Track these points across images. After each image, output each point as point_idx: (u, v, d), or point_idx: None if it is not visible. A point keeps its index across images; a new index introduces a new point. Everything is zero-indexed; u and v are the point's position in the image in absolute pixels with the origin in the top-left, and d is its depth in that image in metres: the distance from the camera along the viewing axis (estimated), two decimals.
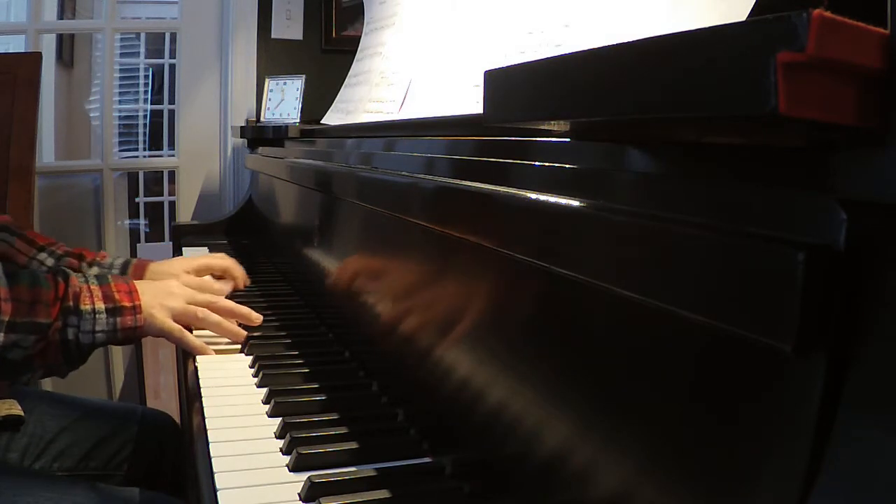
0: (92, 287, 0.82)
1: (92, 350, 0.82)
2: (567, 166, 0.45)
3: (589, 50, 0.32)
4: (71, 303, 0.79)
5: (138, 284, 0.87)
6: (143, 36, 3.55)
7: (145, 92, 3.50)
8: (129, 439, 1.04)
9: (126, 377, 2.01)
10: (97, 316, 0.81)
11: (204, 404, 0.73)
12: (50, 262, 1.08)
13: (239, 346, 0.92)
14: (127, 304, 0.83)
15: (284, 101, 1.85)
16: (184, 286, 0.94)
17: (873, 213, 0.25)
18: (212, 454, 0.61)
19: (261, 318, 0.96)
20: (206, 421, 0.68)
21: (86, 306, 0.80)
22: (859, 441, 0.25)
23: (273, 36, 2.06)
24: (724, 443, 0.31)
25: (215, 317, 0.91)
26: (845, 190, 0.27)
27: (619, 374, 0.39)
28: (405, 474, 0.58)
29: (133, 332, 0.84)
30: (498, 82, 0.40)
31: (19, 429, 0.96)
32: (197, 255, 1.16)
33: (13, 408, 0.95)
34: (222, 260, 1.15)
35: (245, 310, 0.95)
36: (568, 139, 0.47)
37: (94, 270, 1.08)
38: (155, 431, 1.08)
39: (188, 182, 2.05)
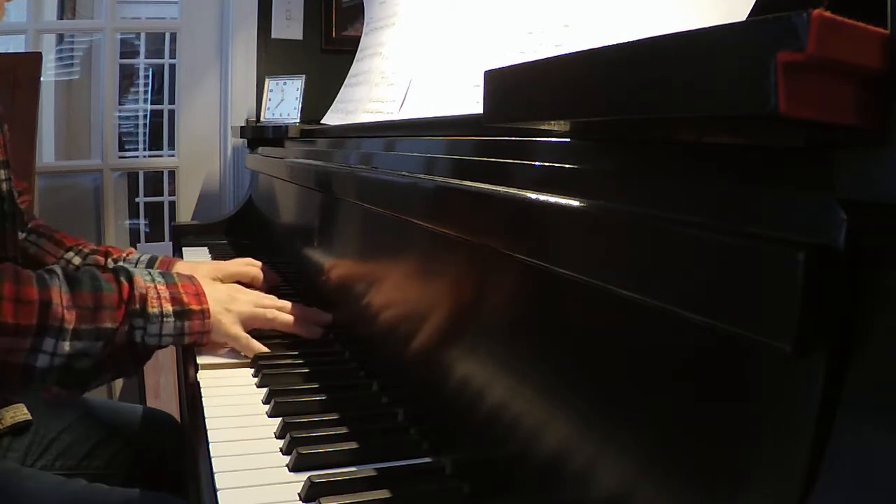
0: (159, 287, 0.79)
1: (155, 350, 0.80)
2: (567, 166, 0.45)
3: (589, 50, 0.32)
4: (137, 305, 0.76)
5: (205, 286, 0.84)
6: (143, 36, 3.55)
7: (145, 92, 3.50)
8: (130, 439, 1.04)
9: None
10: (164, 319, 0.78)
11: (204, 404, 0.73)
12: (77, 260, 1.08)
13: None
14: (195, 307, 0.80)
15: (284, 101, 1.85)
16: (248, 290, 0.91)
17: (873, 213, 0.25)
18: (212, 454, 0.61)
19: (331, 316, 0.94)
20: (206, 421, 0.68)
21: (153, 309, 0.77)
22: (859, 441, 0.25)
23: (273, 36, 2.06)
24: (724, 443, 0.31)
25: (286, 316, 0.89)
26: (845, 190, 0.26)
27: (619, 374, 0.39)
28: (405, 474, 0.58)
29: (200, 337, 0.81)
30: (498, 82, 0.41)
31: (27, 431, 0.96)
32: (223, 263, 1.14)
33: (19, 413, 0.95)
34: (249, 268, 1.10)
35: (314, 310, 0.93)
36: (568, 139, 0.47)
37: None
38: (156, 431, 1.08)
39: (188, 182, 2.05)
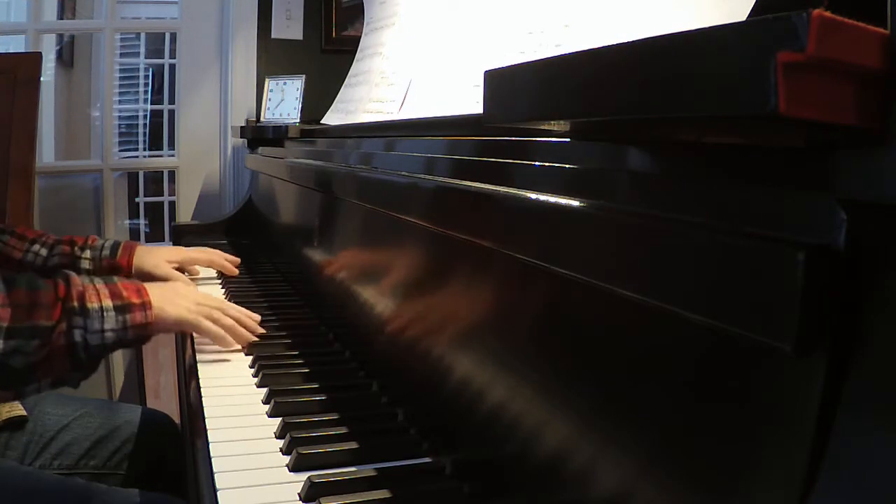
0: (97, 286, 0.79)
1: (102, 353, 0.78)
2: (567, 166, 0.45)
3: (589, 50, 0.32)
4: (75, 303, 0.75)
5: (146, 285, 0.84)
6: (143, 36, 3.55)
7: (145, 92, 3.50)
8: (129, 439, 1.04)
9: (126, 377, 2.01)
10: (105, 314, 0.77)
11: (204, 404, 0.73)
12: (43, 252, 1.09)
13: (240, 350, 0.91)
14: (136, 300, 0.80)
15: (284, 101, 1.85)
16: (191, 287, 0.92)
17: (873, 213, 0.25)
18: (212, 454, 0.61)
19: (264, 331, 0.95)
20: (206, 421, 0.68)
21: (92, 304, 0.76)
22: (859, 441, 0.25)
23: (273, 36, 2.06)
24: (725, 443, 0.31)
25: (228, 319, 0.89)
26: (845, 190, 0.26)
27: (619, 374, 0.39)
28: (405, 474, 0.58)
29: (144, 330, 0.81)
30: (498, 82, 0.40)
31: (22, 428, 0.96)
32: (182, 248, 1.18)
33: (15, 408, 0.95)
34: (206, 254, 1.19)
35: (253, 319, 0.93)
36: (568, 139, 0.47)
37: (87, 254, 1.10)
38: (154, 432, 1.08)
39: (188, 182, 2.05)
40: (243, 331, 0.90)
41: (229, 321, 0.90)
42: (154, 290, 0.84)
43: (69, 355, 0.74)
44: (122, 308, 0.79)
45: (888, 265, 0.25)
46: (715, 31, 0.25)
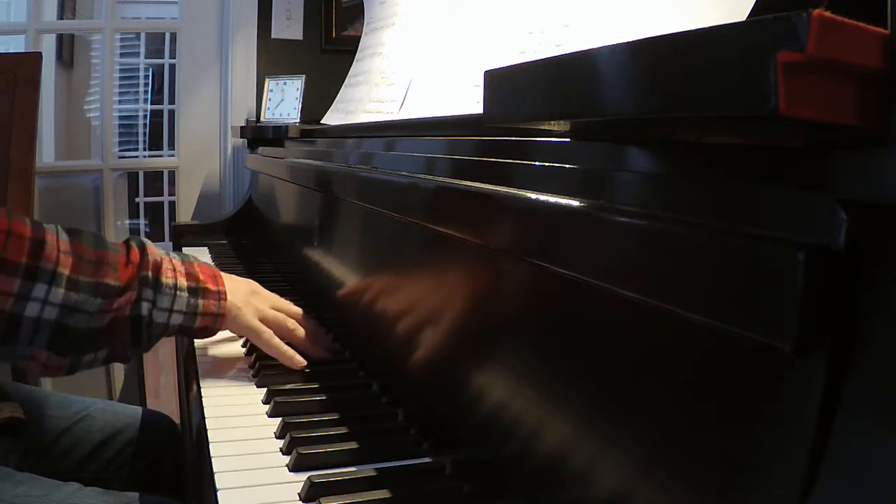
0: (174, 261, 0.72)
1: (161, 335, 0.72)
2: (567, 166, 0.45)
3: (589, 50, 0.32)
4: (150, 273, 0.69)
5: (222, 273, 0.78)
6: (143, 36, 3.56)
7: (145, 92, 3.50)
8: (130, 442, 1.04)
9: (126, 377, 2.01)
10: (178, 293, 0.70)
11: (204, 404, 0.73)
12: None
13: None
14: (211, 287, 0.73)
15: (284, 101, 1.85)
16: (265, 290, 0.83)
17: (873, 213, 0.25)
18: (212, 454, 0.61)
19: (335, 345, 0.88)
20: (206, 421, 0.68)
21: (167, 279, 0.70)
22: (859, 441, 0.25)
23: (273, 36, 2.06)
24: (725, 443, 0.31)
25: (302, 330, 0.83)
26: (845, 190, 0.26)
27: (620, 374, 0.39)
28: (405, 474, 0.58)
29: (213, 321, 0.74)
30: (498, 82, 0.40)
31: (20, 432, 0.96)
32: None
33: (15, 412, 0.95)
34: None
35: (322, 331, 0.88)
36: (568, 139, 0.47)
37: None
38: (155, 433, 1.08)
39: (188, 182, 2.06)
40: (316, 349, 0.83)
41: (303, 333, 0.82)
42: (230, 284, 0.76)
43: (132, 327, 0.68)
44: (196, 291, 0.72)
45: (888, 265, 0.25)
46: (715, 31, 0.25)
